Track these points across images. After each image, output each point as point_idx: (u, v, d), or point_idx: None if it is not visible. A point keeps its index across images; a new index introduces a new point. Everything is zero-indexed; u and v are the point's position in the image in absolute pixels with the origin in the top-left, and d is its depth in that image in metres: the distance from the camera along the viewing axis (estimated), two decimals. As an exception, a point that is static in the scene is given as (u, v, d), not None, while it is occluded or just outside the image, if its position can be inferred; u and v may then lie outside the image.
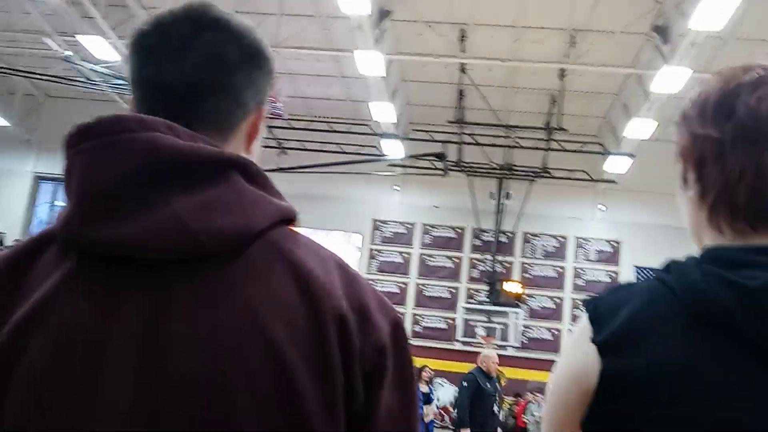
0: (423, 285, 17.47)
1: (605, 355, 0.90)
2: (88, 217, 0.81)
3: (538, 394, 12.86)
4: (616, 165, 15.46)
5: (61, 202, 18.86)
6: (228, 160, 0.86)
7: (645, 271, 16.15)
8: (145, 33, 0.96)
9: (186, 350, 0.78)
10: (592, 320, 0.94)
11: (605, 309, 0.94)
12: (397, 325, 0.91)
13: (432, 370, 12.58)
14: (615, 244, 17.37)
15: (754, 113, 0.93)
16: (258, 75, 0.98)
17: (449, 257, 17.74)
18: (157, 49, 0.94)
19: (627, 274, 16.54)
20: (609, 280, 16.94)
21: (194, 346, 0.79)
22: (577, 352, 0.95)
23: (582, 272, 17.35)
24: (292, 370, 0.79)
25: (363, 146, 15.92)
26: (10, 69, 16.02)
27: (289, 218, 0.91)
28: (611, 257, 17.36)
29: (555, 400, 1.00)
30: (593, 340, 0.92)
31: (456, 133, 15.30)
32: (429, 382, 12.23)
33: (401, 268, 17.55)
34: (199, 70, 0.92)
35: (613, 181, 15.82)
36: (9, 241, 17.50)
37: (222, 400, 0.77)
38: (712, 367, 0.85)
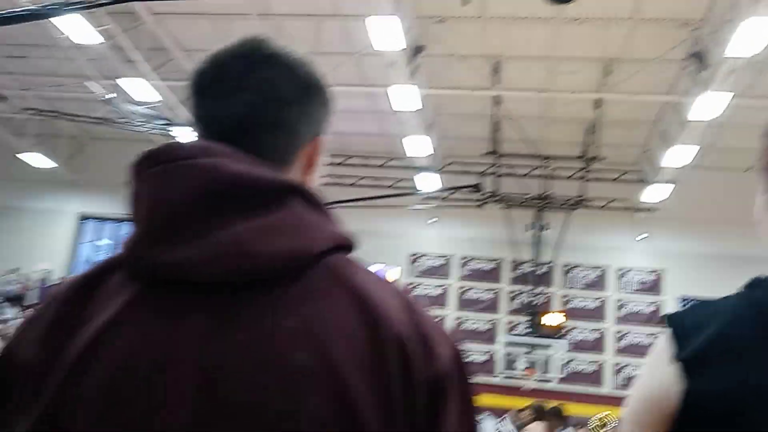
0: (461, 318, 17.32)
1: (689, 374, 0.85)
2: (153, 241, 0.83)
3: (580, 429, 12.56)
4: (655, 193, 15.25)
5: (105, 241, 19.24)
6: (288, 185, 0.88)
7: (690, 301, 15.79)
8: (203, 72, 0.98)
9: (246, 373, 0.78)
10: (676, 336, 0.89)
11: (689, 325, 0.89)
12: (458, 354, 0.89)
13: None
14: (657, 274, 17.04)
15: None
16: (313, 107, 1.00)
17: (487, 289, 17.58)
18: (213, 87, 0.96)
19: (671, 305, 16.17)
20: (652, 311, 16.59)
21: (254, 368, 0.78)
22: (656, 370, 0.91)
23: (624, 303, 17.04)
24: (353, 397, 0.78)
25: (399, 180, 15.98)
26: (56, 112, 16.54)
27: (347, 245, 0.92)
28: (654, 287, 17.02)
29: (632, 421, 0.95)
30: (677, 357, 0.87)
31: (492, 165, 15.27)
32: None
33: (439, 301, 17.43)
34: (254, 107, 0.95)
35: (652, 210, 15.58)
36: (54, 279, 17.86)
37: (281, 423, 0.77)
38: None
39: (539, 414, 8.62)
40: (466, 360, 0.91)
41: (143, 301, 0.83)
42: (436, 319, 0.94)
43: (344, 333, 0.81)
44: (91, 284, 0.88)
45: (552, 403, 9.12)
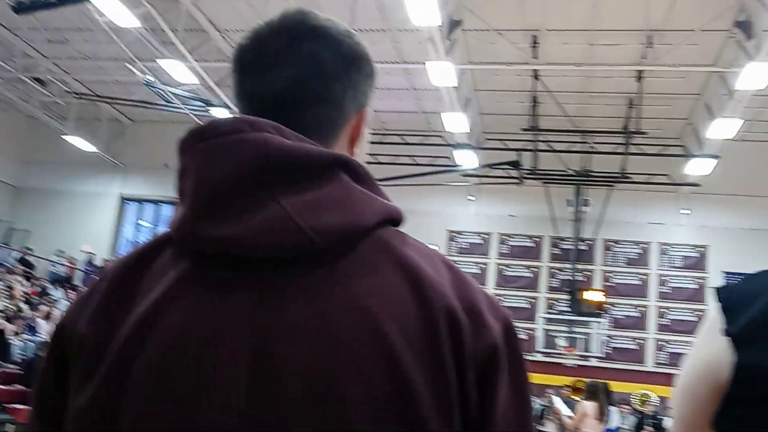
0: (501, 296, 17.27)
1: (740, 347, 0.84)
2: (201, 216, 0.83)
3: (624, 407, 12.48)
4: (699, 167, 14.94)
5: (145, 222, 19.60)
6: (335, 159, 0.87)
7: (735, 278, 15.48)
8: (245, 48, 0.98)
9: (297, 347, 0.78)
10: (725, 310, 0.89)
11: (739, 298, 0.89)
12: (508, 325, 0.88)
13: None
14: (701, 250, 16.74)
15: None
16: (357, 79, 0.99)
17: (527, 267, 17.48)
18: (255, 63, 0.96)
19: (715, 281, 15.88)
20: (696, 287, 16.33)
21: (305, 342, 0.78)
22: (707, 343, 0.90)
23: (667, 279, 16.79)
24: (406, 369, 0.78)
25: (436, 157, 15.91)
26: (97, 96, 16.82)
27: (396, 219, 0.91)
28: (698, 263, 16.73)
29: (684, 395, 0.95)
30: (727, 332, 0.86)
31: (531, 141, 15.10)
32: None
33: (477, 279, 17.29)
34: (297, 82, 0.94)
35: (696, 184, 15.28)
36: (98, 261, 18.27)
37: (335, 398, 0.77)
38: None
39: (591, 393, 8.67)
40: (517, 333, 0.90)
41: (193, 278, 0.84)
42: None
43: (395, 306, 0.81)
44: (142, 261, 0.89)
45: (600, 381, 9.19)
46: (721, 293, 0.92)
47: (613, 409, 10.49)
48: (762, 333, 0.84)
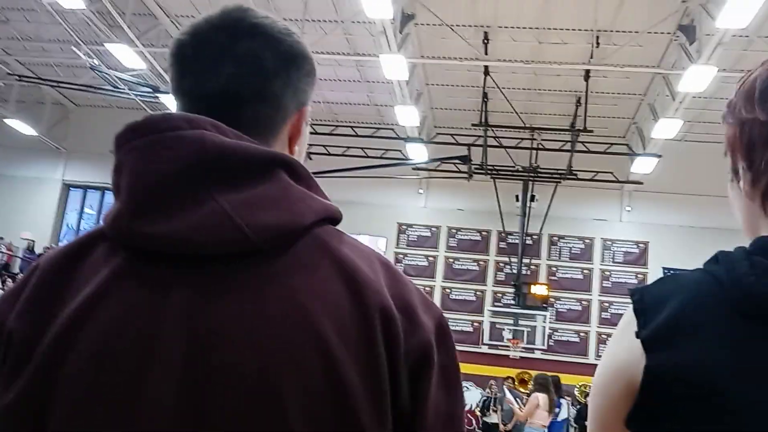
0: (449, 288, 17.44)
1: (650, 350, 0.86)
2: (137, 213, 0.83)
3: (566, 398, 12.74)
4: (642, 166, 15.33)
5: (89, 210, 19.14)
6: (274, 157, 0.87)
7: (674, 273, 15.96)
8: (183, 43, 0.97)
9: (233, 343, 0.78)
10: (637, 312, 0.90)
11: (651, 300, 0.90)
12: (441, 323, 0.90)
13: (458, 373, 12.52)
14: (642, 246, 17.20)
15: None
16: (297, 77, 0.99)
17: (475, 260, 17.69)
18: (195, 59, 0.95)
19: (655, 276, 16.29)
20: (636, 282, 16.78)
21: (241, 339, 0.79)
22: (621, 345, 0.92)
23: (609, 274, 17.20)
24: (341, 366, 0.79)
25: (387, 150, 15.95)
26: (39, 79, 16.32)
27: (334, 218, 0.92)
28: (638, 259, 17.20)
29: (599, 393, 0.97)
30: (638, 335, 0.88)
31: (480, 136, 15.26)
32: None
33: (426, 271, 17.52)
34: (237, 79, 0.93)
35: (639, 183, 15.68)
36: (39, 248, 17.78)
37: (270, 393, 0.77)
38: (761, 367, 0.80)
39: (542, 386, 8.89)
40: (450, 329, 0.92)
41: (127, 274, 0.83)
42: (423, 290, 0.94)
43: (331, 304, 0.82)
44: (75, 256, 0.88)
45: (549, 374, 9.47)
46: (635, 294, 0.93)
47: (563, 401, 10.72)
48: (669, 337, 0.86)
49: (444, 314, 0.93)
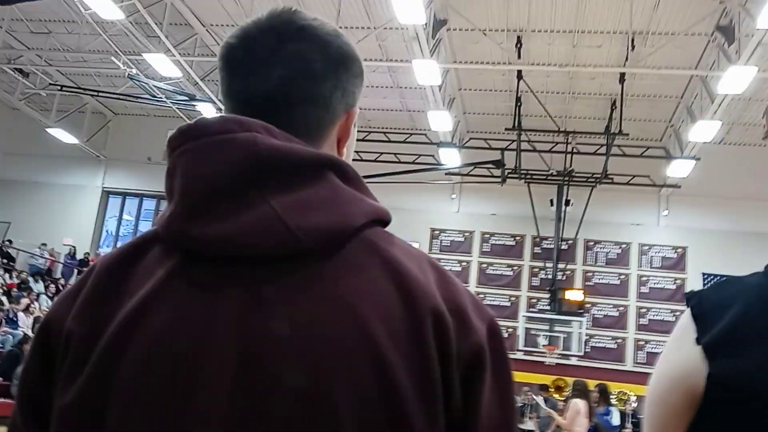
0: (482, 293, 17.35)
1: (712, 357, 0.83)
2: (191, 215, 0.83)
3: (614, 405, 12.58)
4: (679, 169, 15.08)
5: (128, 216, 19.47)
6: (324, 160, 0.88)
7: (713, 278, 15.66)
8: (232, 46, 0.97)
9: (284, 347, 0.79)
10: (696, 317, 0.87)
11: (711, 306, 0.87)
12: (493, 326, 0.89)
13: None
14: (680, 250, 16.91)
15: None
16: (346, 79, 0.98)
17: (509, 265, 17.57)
18: (243, 63, 0.95)
19: (694, 281, 16.05)
20: (674, 287, 16.50)
21: (292, 342, 0.79)
22: (679, 352, 0.88)
23: (646, 279, 16.95)
24: (393, 370, 0.78)
25: (420, 156, 15.94)
26: (80, 89, 16.68)
27: (384, 219, 0.91)
28: (677, 263, 16.90)
29: (657, 402, 0.92)
30: (698, 341, 0.85)
31: (514, 141, 15.18)
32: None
33: (460, 277, 17.27)
34: (285, 82, 0.93)
35: (676, 186, 15.44)
36: (80, 254, 18.14)
37: (321, 399, 0.77)
38: None
39: (581, 392, 8.79)
40: (502, 333, 0.90)
41: (181, 276, 0.83)
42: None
43: (382, 307, 0.81)
44: (130, 258, 0.89)
45: (591, 382, 9.38)
46: (693, 300, 0.90)
47: (613, 409, 10.52)
48: (734, 343, 0.83)
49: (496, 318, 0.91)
